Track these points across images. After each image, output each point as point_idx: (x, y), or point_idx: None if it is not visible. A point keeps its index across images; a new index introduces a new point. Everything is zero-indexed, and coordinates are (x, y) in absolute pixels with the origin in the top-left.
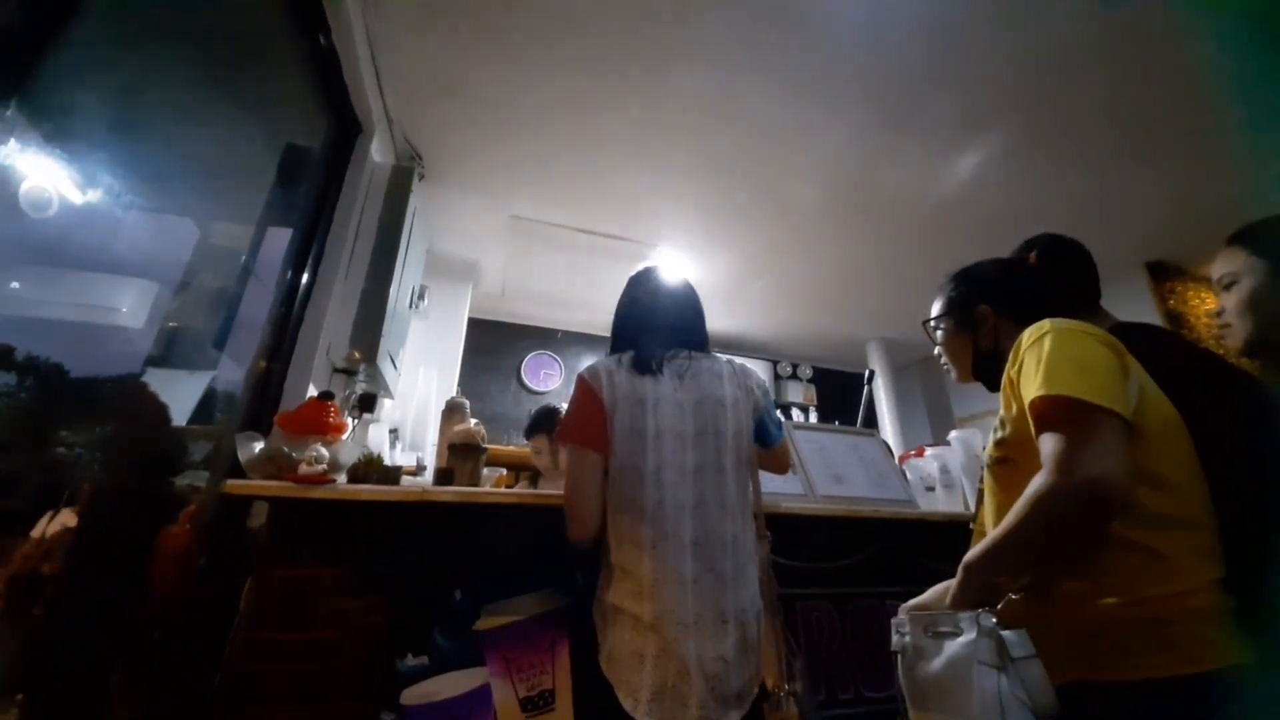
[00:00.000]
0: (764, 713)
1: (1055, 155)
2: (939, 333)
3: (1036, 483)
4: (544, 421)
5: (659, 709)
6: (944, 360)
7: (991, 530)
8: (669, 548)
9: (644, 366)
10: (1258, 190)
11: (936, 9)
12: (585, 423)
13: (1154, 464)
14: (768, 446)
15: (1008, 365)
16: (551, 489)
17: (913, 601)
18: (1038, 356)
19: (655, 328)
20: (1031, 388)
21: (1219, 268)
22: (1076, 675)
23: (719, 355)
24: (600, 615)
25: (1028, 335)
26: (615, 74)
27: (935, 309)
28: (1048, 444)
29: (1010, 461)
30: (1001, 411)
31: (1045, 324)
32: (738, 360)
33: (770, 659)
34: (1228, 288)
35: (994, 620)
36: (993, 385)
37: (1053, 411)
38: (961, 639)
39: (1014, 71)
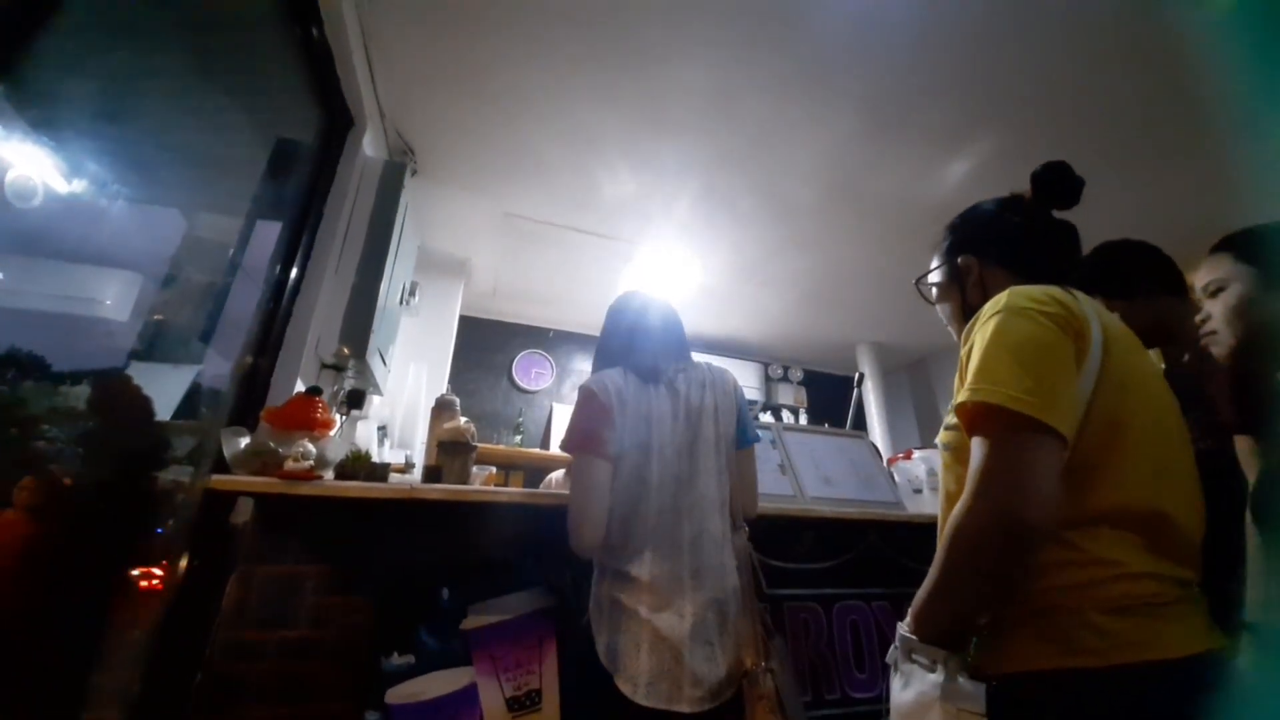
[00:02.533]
0: (743, 689)
1: (1047, 160)
2: (933, 290)
3: (956, 511)
4: None
5: (656, 691)
6: (945, 320)
7: (943, 508)
8: (667, 549)
9: (647, 378)
10: (1249, 201)
11: (931, 15)
12: (595, 433)
13: (1095, 455)
14: (741, 448)
15: (961, 341)
16: None
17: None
18: (982, 341)
19: (649, 340)
20: (967, 381)
21: (1204, 274)
22: (978, 666)
23: (699, 361)
24: (597, 608)
25: (984, 311)
26: (611, 73)
27: (931, 263)
28: (973, 456)
29: (957, 448)
30: (955, 393)
31: (1002, 298)
32: (716, 364)
33: (750, 639)
34: (1214, 294)
35: (960, 670)
36: None
37: (981, 420)
38: (933, 677)
39: (1007, 78)
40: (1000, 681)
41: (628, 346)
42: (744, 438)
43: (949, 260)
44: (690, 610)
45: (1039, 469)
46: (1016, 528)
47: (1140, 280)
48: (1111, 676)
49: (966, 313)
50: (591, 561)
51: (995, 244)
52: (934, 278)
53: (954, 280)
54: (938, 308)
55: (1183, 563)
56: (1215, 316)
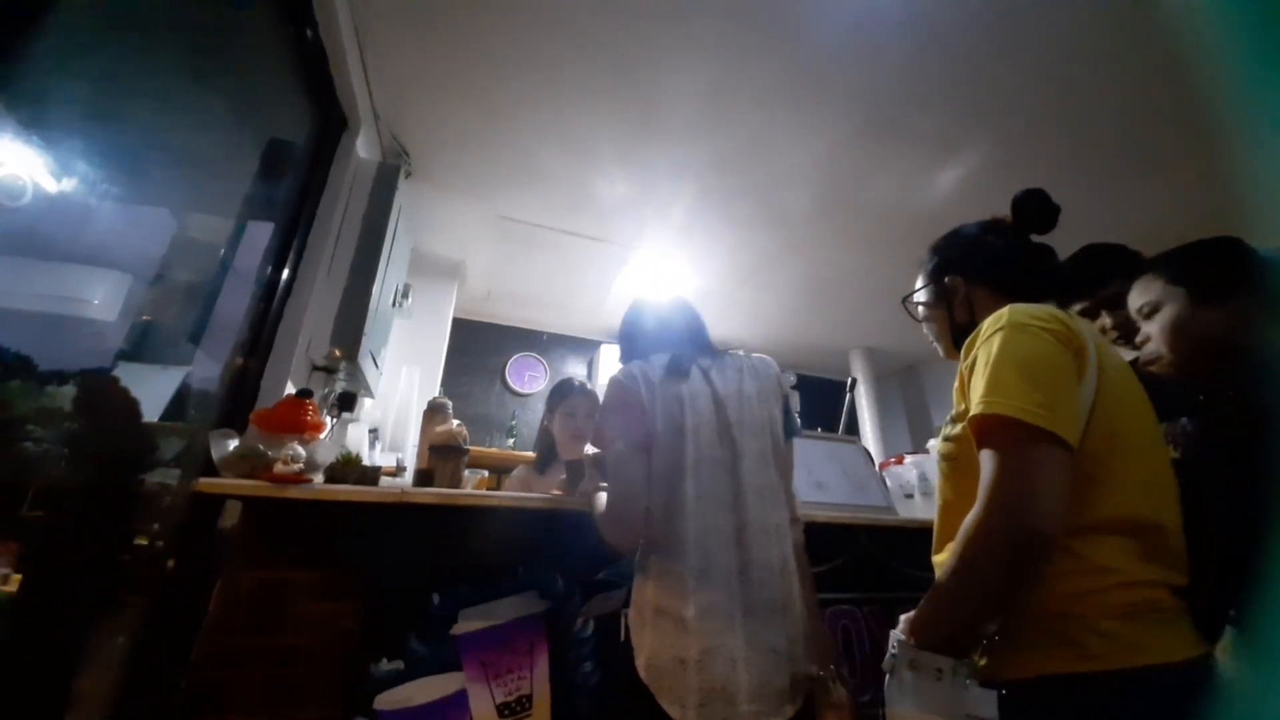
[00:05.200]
0: (814, 697)
1: (1038, 169)
2: (920, 309)
3: (969, 520)
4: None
5: (709, 713)
6: (931, 338)
7: (939, 517)
8: (713, 539)
9: (676, 370)
10: (1242, 203)
11: (924, 23)
12: (630, 425)
13: (1095, 466)
14: (786, 439)
15: (961, 356)
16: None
17: (908, 615)
18: (987, 356)
19: (676, 336)
20: (975, 394)
21: (1137, 297)
22: (987, 673)
23: (737, 352)
24: (638, 617)
25: (986, 327)
26: (606, 78)
27: (917, 283)
28: (985, 468)
29: (956, 459)
30: (954, 405)
31: (1004, 314)
32: (755, 355)
33: (816, 643)
34: (1148, 316)
35: (969, 678)
36: None
37: (993, 432)
38: (939, 685)
39: (999, 85)
40: (1011, 688)
41: (654, 342)
42: (788, 428)
43: (936, 280)
44: (742, 609)
45: (1051, 479)
46: (1029, 537)
47: (1122, 284)
48: (1121, 680)
49: (954, 330)
50: (583, 569)
51: (980, 265)
52: (921, 296)
53: (941, 299)
54: (924, 325)
55: (1174, 569)
56: (1154, 338)
